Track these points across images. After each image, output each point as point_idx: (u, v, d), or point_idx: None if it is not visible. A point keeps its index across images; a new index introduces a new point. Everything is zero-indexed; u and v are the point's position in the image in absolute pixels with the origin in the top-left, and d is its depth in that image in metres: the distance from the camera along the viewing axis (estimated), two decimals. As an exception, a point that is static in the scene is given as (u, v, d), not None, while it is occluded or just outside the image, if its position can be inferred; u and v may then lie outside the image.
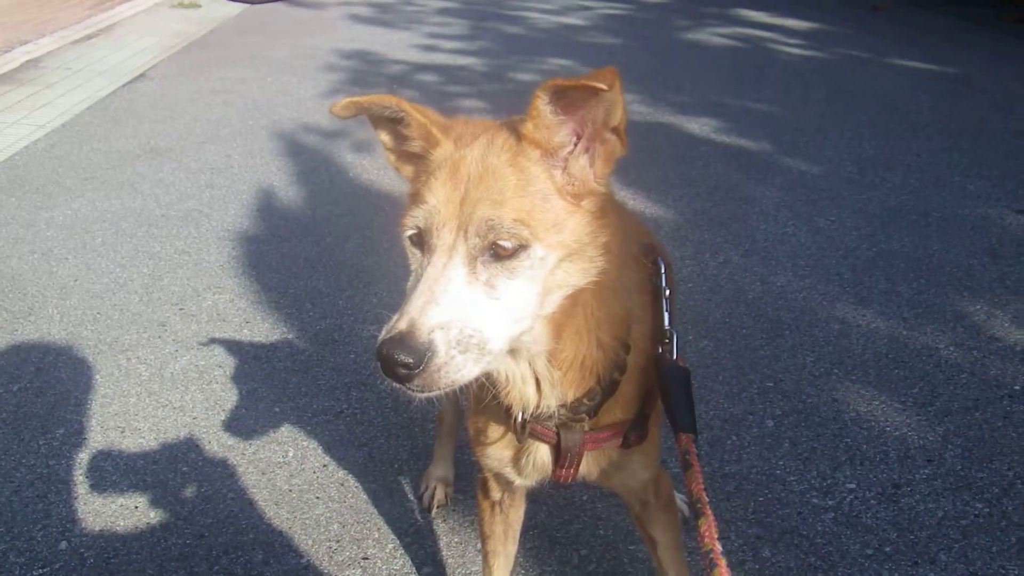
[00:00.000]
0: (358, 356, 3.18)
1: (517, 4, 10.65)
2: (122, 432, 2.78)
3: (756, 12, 9.85)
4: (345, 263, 3.93)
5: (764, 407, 2.81)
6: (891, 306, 3.43)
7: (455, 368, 1.13)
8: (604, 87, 1.09)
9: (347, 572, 2.22)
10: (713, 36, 8.71)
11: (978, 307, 3.40)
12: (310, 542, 2.32)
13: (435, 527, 2.38)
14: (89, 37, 8.49)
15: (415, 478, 2.55)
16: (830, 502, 2.40)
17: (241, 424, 2.81)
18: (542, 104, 1.17)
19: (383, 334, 1.13)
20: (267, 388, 3.00)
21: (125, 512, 2.43)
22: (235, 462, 2.63)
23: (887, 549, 2.23)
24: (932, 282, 3.60)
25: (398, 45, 8.48)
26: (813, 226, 4.19)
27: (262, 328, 3.39)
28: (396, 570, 2.23)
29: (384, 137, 1.41)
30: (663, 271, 1.51)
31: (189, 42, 8.63)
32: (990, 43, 8.16)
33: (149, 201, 4.64)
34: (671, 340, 1.46)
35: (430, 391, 1.15)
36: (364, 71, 7.49)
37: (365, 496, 2.49)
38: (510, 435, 1.49)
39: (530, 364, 1.33)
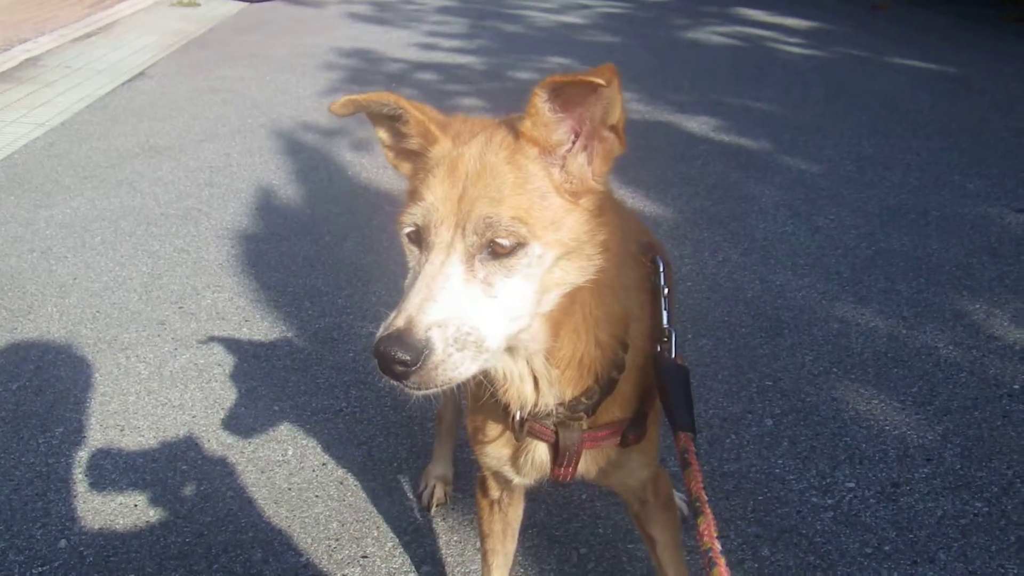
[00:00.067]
0: (357, 354, 3.18)
1: (516, 2, 10.65)
2: (121, 430, 2.78)
3: (755, 11, 9.85)
4: (344, 261, 3.93)
5: (763, 406, 2.81)
6: (890, 305, 3.43)
7: (452, 366, 1.13)
8: (602, 83, 1.09)
9: (346, 570, 2.22)
10: (712, 35, 8.71)
11: (977, 306, 3.40)
12: (309, 540, 2.32)
13: (434, 525, 2.37)
14: (88, 35, 8.48)
15: (414, 476, 2.55)
16: (829, 501, 2.40)
17: (240, 422, 2.81)
18: (540, 101, 1.17)
19: (381, 331, 1.13)
20: (266, 386, 3.00)
21: (124, 510, 2.43)
22: (234, 460, 2.63)
23: (886, 548, 2.23)
24: (931, 281, 3.60)
25: (397, 43, 8.48)
26: (812, 225, 4.18)
27: (261, 326, 3.39)
28: (395, 568, 2.23)
29: (383, 135, 1.41)
30: (662, 269, 1.51)
31: (188, 40, 8.62)
32: (990, 42, 8.16)
33: (148, 199, 4.64)
34: (670, 339, 1.46)
35: (427, 389, 1.15)
36: (363, 70, 7.49)
37: (364, 494, 2.49)
38: (508, 433, 1.49)
39: (528, 362, 1.33)
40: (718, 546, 1.16)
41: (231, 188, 4.81)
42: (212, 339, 3.29)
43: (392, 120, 1.36)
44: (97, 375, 3.07)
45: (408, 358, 1.10)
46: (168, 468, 2.60)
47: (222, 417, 2.83)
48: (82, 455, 2.66)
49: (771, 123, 5.78)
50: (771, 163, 5.05)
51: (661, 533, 1.75)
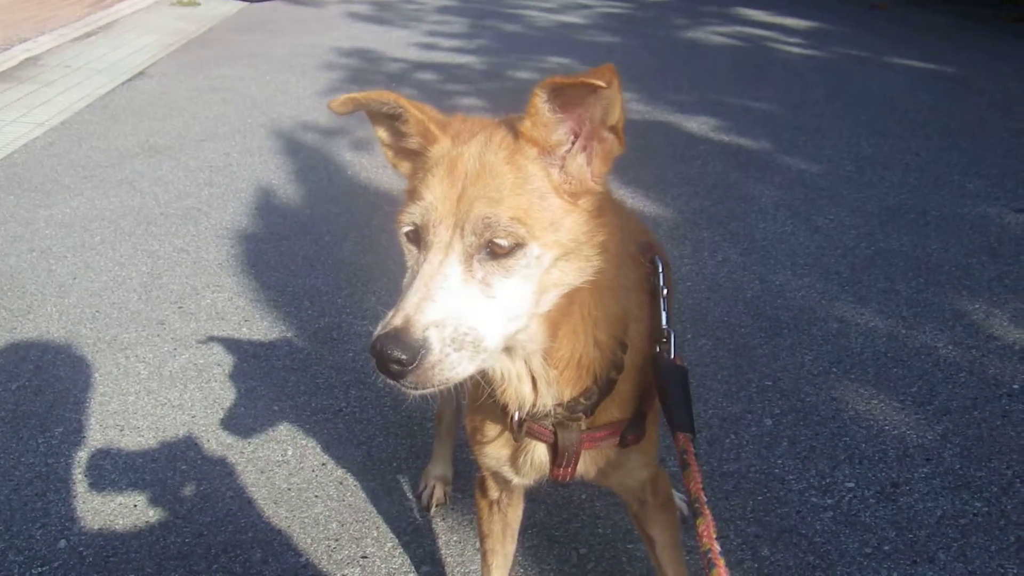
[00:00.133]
0: (357, 354, 3.17)
1: (516, 2, 10.64)
2: (121, 430, 2.77)
3: (755, 11, 9.85)
4: (343, 261, 3.93)
5: (763, 406, 2.81)
6: (890, 305, 3.42)
7: (449, 366, 1.13)
8: (602, 84, 1.09)
9: (346, 571, 2.22)
10: (712, 35, 8.71)
11: (977, 306, 3.40)
12: (309, 541, 2.32)
13: (434, 526, 2.37)
14: (88, 35, 8.48)
15: (414, 477, 2.55)
16: (829, 501, 2.40)
17: (240, 422, 2.81)
18: (540, 102, 1.17)
19: (378, 330, 1.13)
20: (266, 386, 3.00)
21: (124, 510, 2.43)
22: (234, 460, 2.63)
23: (886, 548, 2.23)
24: (931, 281, 3.60)
25: (397, 43, 8.48)
26: (812, 225, 4.18)
27: (261, 326, 3.39)
28: (395, 569, 2.23)
29: (382, 133, 1.41)
30: (661, 270, 1.51)
31: (188, 40, 8.62)
32: (989, 42, 8.16)
33: (148, 199, 4.64)
34: (669, 339, 1.45)
35: (424, 388, 1.15)
36: (363, 69, 7.49)
37: (364, 495, 2.49)
38: (507, 434, 1.49)
39: (526, 363, 1.33)
40: (717, 547, 1.15)
41: (231, 188, 4.80)
42: (212, 339, 3.29)
43: (392, 119, 1.36)
44: (97, 375, 3.07)
45: (405, 357, 1.10)
46: (168, 468, 2.60)
47: (222, 417, 2.83)
48: (82, 455, 2.66)
49: (771, 123, 5.78)
50: (771, 163, 5.05)
51: (660, 533, 1.75)
